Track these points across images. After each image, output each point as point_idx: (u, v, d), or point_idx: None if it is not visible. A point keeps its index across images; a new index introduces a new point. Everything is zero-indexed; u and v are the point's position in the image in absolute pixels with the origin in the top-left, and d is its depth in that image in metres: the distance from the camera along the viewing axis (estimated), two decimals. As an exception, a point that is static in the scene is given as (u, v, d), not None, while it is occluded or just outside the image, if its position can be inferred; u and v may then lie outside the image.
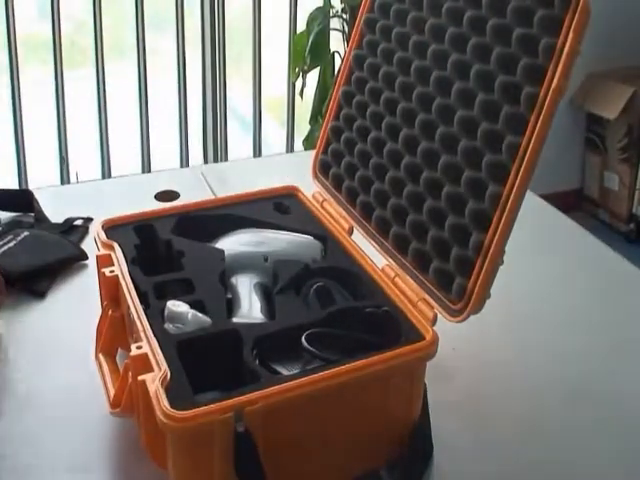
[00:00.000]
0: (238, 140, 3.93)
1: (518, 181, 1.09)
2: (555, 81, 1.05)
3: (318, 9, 3.53)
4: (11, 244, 1.61)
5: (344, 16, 3.56)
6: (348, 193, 1.41)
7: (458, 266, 1.16)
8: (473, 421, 1.27)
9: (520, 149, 1.09)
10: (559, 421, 1.28)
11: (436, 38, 1.25)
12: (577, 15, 1.04)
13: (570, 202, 4.02)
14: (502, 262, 1.12)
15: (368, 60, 1.41)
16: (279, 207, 1.47)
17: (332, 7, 3.56)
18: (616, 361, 1.40)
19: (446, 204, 1.20)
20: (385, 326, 1.16)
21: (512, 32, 1.12)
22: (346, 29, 3.56)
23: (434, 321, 1.14)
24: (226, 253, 1.32)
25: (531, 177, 1.09)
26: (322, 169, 1.49)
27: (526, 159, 1.08)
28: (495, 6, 1.15)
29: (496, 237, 1.11)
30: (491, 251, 1.11)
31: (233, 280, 1.29)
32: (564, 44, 1.05)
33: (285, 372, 1.10)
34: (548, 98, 1.06)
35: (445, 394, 1.26)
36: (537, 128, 1.07)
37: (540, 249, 1.73)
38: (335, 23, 3.54)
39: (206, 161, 3.73)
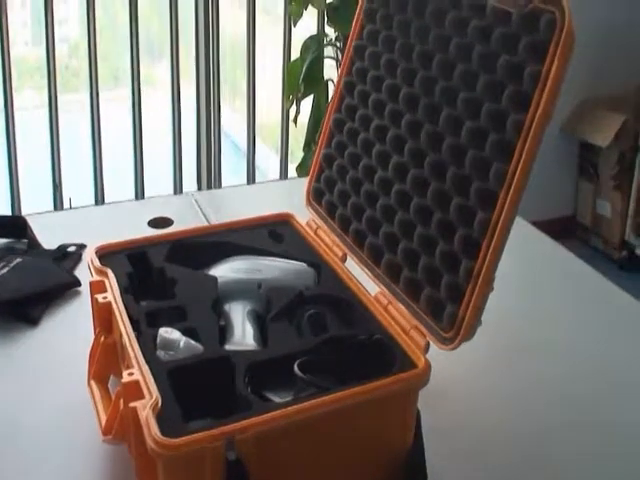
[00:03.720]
0: (232, 167, 3.93)
1: (506, 207, 1.09)
2: (541, 107, 1.06)
3: (312, 37, 3.55)
4: (4, 270, 1.60)
5: (338, 44, 3.57)
6: (341, 220, 1.41)
7: (449, 294, 1.15)
8: (467, 447, 1.27)
9: (508, 175, 1.08)
10: (554, 448, 1.27)
11: (424, 65, 1.26)
12: (562, 40, 1.03)
13: (563, 229, 4.02)
14: (492, 289, 1.11)
15: (358, 87, 1.41)
16: (273, 234, 1.47)
17: (326, 35, 3.58)
18: (608, 388, 1.40)
19: (436, 231, 1.20)
20: (378, 354, 1.16)
21: (497, 59, 1.13)
22: (340, 57, 3.57)
23: (426, 349, 1.14)
24: (219, 280, 1.32)
25: (519, 203, 1.09)
26: (315, 197, 1.49)
27: (514, 185, 1.08)
28: (481, 33, 1.16)
29: (486, 264, 1.10)
30: (481, 278, 1.10)
31: (226, 307, 1.29)
32: (549, 70, 1.05)
33: (277, 399, 1.09)
34: (534, 124, 1.06)
35: (439, 420, 1.26)
36: (524, 154, 1.07)
37: (532, 276, 1.73)
38: (329, 51, 3.56)
39: (200, 188, 3.74)
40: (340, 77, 1.46)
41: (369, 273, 1.32)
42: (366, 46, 1.40)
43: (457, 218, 1.17)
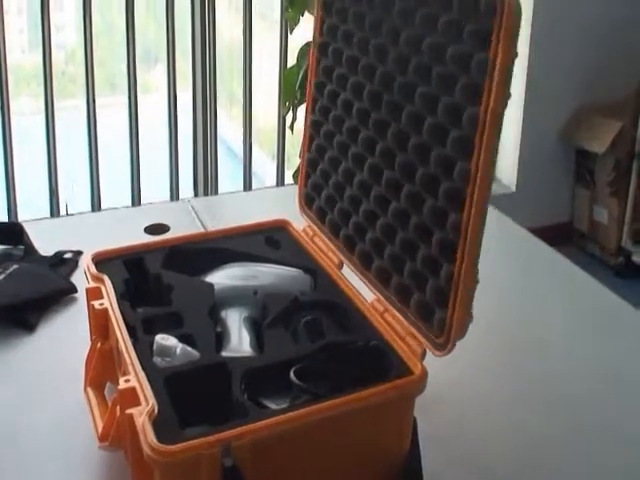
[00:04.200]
0: (228, 173, 3.93)
1: (474, 207, 1.05)
2: (492, 99, 1.00)
3: (308, 44, 3.54)
4: (0, 277, 1.60)
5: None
6: (331, 226, 1.41)
7: (435, 298, 1.14)
8: (464, 454, 1.26)
9: (471, 173, 1.05)
10: (551, 452, 1.27)
11: (381, 60, 1.23)
12: (504, 25, 0.98)
13: (559, 235, 4.02)
14: (478, 281, 1.09)
15: (327, 87, 1.39)
16: (269, 241, 1.47)
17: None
18: (605, 393, 1.40)
19: (415, 235, 1.18)
20: (374, 360, 1.16)
21: (446, 50, 1.08)
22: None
23: (423, 356, 1.14)
24: (216, 287, 1.32)
25: (487, 201, 1.05)
26: (307, 202, 1.48)
27: (478, 184, 1.04)
28: (427, 23, 1.12)
29: (463, 267, 1.08)
30: (461, 282, 1.08)
31: (223, 314, 1.29)
32: (495, 58, 0.99)
33: (274, 406, 1.09)
34: (488, 117, 1.02)
35: (435, 426, 1.26)
36: (483, 150, 1.03)
37: (529, 283, 1.73)
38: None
39: (196, 194, 3.73)
40: (311, 78, 1.44)
41: (363, 279, 1.32)
42: (329, 43, 1.38)
43: (431, 221, 1.14)
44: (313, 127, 1.45)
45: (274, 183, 3.88)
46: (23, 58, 4.09)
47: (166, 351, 1.15)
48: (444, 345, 1.12)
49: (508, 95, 1.01)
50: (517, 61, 1.00)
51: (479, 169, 1.04)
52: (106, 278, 1.32)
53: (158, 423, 1.01)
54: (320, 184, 1.44)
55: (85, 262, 1.38)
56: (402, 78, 1.18)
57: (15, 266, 1.65)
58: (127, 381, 1.08)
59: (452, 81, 1.08)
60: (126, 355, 1.13)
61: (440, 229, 1.12)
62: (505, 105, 1.01)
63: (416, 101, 1.16)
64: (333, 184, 1.39)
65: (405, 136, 1.18)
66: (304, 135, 1.47)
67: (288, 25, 3.53)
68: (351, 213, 1.35)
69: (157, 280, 1.35)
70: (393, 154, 1.22)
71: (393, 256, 1.24)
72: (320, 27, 1.40)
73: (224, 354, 1.20)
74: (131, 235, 1.70)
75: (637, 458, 1.28)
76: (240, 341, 1.24)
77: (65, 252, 1.75)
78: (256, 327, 1.28)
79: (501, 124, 1.02)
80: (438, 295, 1.13)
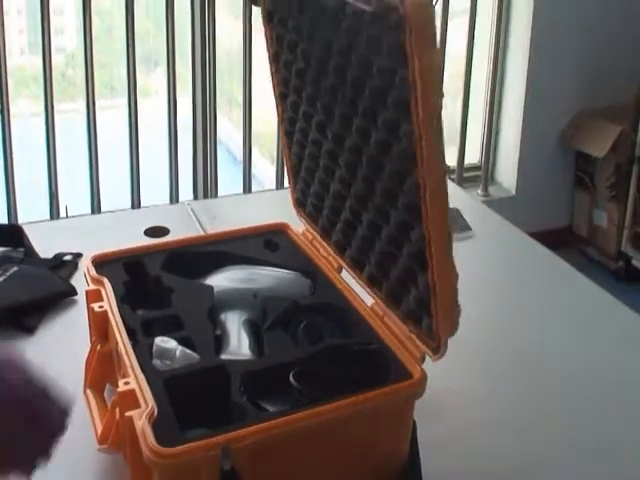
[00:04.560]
0: (228, 176, 3.93)
1: (431, 219, 1.03)
2: (421, 114, 0.96)
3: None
4: (0, 279, 1.60)
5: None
6: (323, 231, 1.41)
7: (419, 306, 1.13)
8: (463, 459, 1.26)
9: (420, 188, 1.02)
10: (551, 460, 1.27)
11: (324, 72, 1.20)
12: (414, 38, 0.93)
13: (559, 240, 4.02)
14: (457, 275, 1.06)
15: (290, 98, 1.38)
16: (269, 244, 1.48)
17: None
18: (605, 399, 1.40)
19: (389, 247, 1.17)
20: (374, 364, 1.16)
21: (372, 64, 1.05)
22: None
23: (422, 359, 1.14)
24: (215, 290, 1.32)
25: (444, 211, 1.02)
26: (299, 206, 1.48)
27: (429, 196, 1.01)
28: (353, 36, 1.08)
29: (436, 276, 1.06)
30: (438, 289, 1.07)
31: (222, 317, 1.29)
32: (414, 72, 0.95)
33: (273, 409, 1.09)
34: (422, 132, 0.98)
35: (434, 430, 1.26)
36: (424, 164, 1.00)
37: (529, 287, 1.73)
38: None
39: (196, 197, 3.73)
40: (274, 89, 1.43)
41: (360, 282, 1.31)
42: (279, 52, 1.36)
43: (399, 234, 1.14)
44: (287, 136, 1.44)
45: (273, 186, 3.88)
46: (23, 60, 4.08)
47: (166, 354, 1.15)
48: (437, 349, 1.12)
49: (439, 105, 0.96)
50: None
51: (426, 182, 1.01)
52: (106, 281, 1.32)
53: (157, 425, 1.01)
54: (304, 191, 1.44)
55: (85, 264, 1.38)
56: (343, 91, 1.16)
57: (15, 268, 1.65)
58: (127, 383, 1.08)
59: (384, 96, 1.05)
60: (126, 357, 1.13)
61: (408, 241, 1.12)
62: (435, 116, 0.97)
63: (359, 115, 1.13)
64: (314, 193, 1.40)
65: (358, 150, 1.17)
66: (282, 142, 1.46)
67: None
68: (335, 220, 1.34)
69: (157, 283, 1.35)
70: (355, 167, 1.20)
71: (378, 264, 1.23)
72: (270, 37, 1.39)
73: (223, 357, 1.20)
74: (131, 238, 1.70)
75: (638, 460, 1.28)
76: (239, 344, 1.24)
77: (65, 254, 1.75)
78: (255, 330, 1.28)
79: (437, 135, 0.97)
80: (421, 303, 1.13)
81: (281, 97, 1.42)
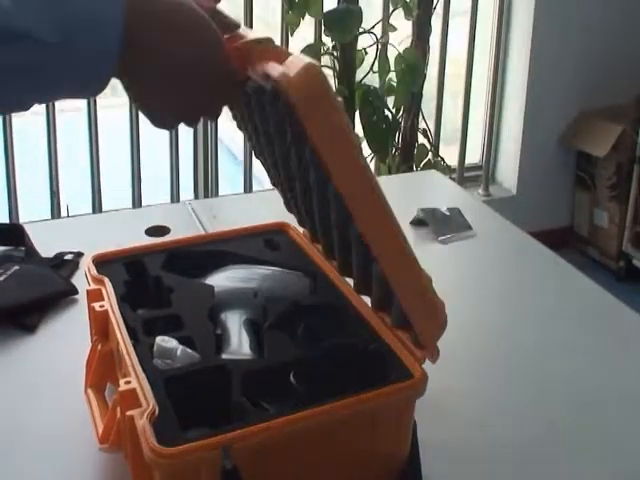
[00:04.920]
0: (229, 176, 3.93)
1: (384, 263, 1.07)
2: (332, 171, 1.01)
3: (309, 46, 3.56)
4: (1, 278, 1.60)
5: (335, 53, 3.58)
6: (311, 235, 1.41)
7: (402, 317, 1.14)
8: (464, 459, 1.26)
9: (363, 237, 1.07)
10: (551, 460, 1.27)
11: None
12: (299, 105, 0.96)
13: (560, 240, 4.02)
14: (430, 279, 1.09)
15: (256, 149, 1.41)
16: (269, 243, 1.48)
17: (323, 44, 3.59)
18: (606, 399, 1.40)
19: (364, 264, 1.17)
20: (374, 364, 1.16)
21: (286, 134, 1.08)
22: (337, 66, 3.58)
23: (423, 359, 1.14)
24: (216, 289, 1.32)
25: (398, 254, 1.06)
26: (289, 208, 1.48)
27: (372, 243, 1.06)
28: (266, 105, 1.10)
29: (403, 303, 1.10)
30: (404, 307, 1.10)
31: (222, 316, 1.29)
32: (311, 136, 0.99)
33: (274, 409, 1.09)
34: (340, 187, 1.02)
35: (436, 432, 1.26)
36: (358, 216, 1.04)
37: (529, 287, 1.73)
38: (326, 60, 3.57)
39: (197, 196, 3.74)
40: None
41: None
42: (240, 125, 1.40)
43: (363, 263, 1.16)
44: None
45: (274, 186, 3.88)
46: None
47: (166, 353, 1.15)
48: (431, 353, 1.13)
49: (357, 159, 1.00)
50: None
51: (366, 232, 1.06)
52: (107, 280, 1.32)
53: (158, 425, 1.01)
54: (281, 192, 1.45)
55: (86, 264, 1.38)
56: (287, 157, 1.17)
57: (16, 267, 1.65)
58: (127, 383, 1.08)
59: (306, 162, 1.08)
60: (126, 357, 1.13)
61: (372, 270, 1.13)
62: (351, 173, 1.00)
63: (301, 175, 1.16)
64: (289, 197, 1.39)
65: (312, 206, 1.20)
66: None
67: (289, 28, 3.53)
68: (316, 232, 1.34)
69: (157, 282, 1.35)
70: (312, 207, 1.22)
71: (360, 277, 1.23)
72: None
73: (224, 356, 1.20)
74: (132, 237, 1.70)
75: (638, 459, 1.28)
76: (240, 343, 1.24)
77: (66, 254, 1.75)
78: (256, 329, 1.27)
79: (363, 188, 1.01)
80: (401, 316, 1.14)
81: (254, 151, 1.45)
